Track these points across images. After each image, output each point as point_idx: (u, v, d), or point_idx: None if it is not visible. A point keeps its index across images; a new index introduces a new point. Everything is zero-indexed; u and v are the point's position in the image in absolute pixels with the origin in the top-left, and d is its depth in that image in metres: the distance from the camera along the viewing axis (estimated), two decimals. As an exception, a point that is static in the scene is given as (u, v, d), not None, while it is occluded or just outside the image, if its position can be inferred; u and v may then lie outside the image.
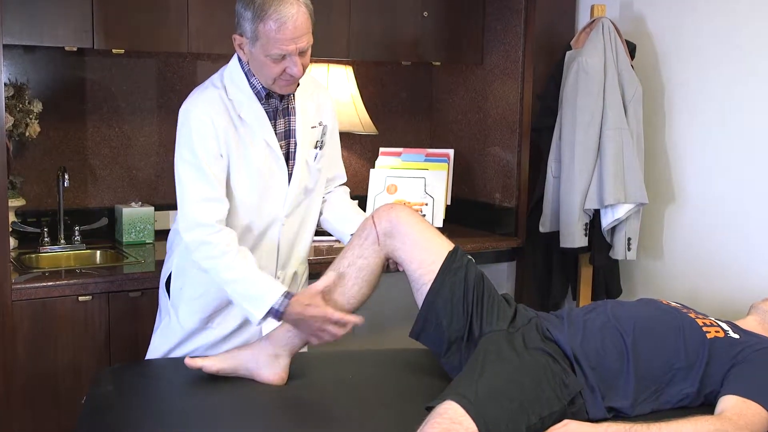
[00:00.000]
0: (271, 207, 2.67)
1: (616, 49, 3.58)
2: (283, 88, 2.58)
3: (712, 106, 3.50)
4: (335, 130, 2.86)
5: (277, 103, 2.64)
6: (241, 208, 2.62)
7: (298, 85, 2.64)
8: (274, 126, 2.64)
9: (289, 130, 2.68)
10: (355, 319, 2.42)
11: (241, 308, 2.53)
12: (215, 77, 2.64)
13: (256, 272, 2.50)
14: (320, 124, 2.75)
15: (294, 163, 2.68)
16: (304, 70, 2.54)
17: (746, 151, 3.39)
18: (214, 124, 2.52)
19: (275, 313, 2.45)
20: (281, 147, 2.65)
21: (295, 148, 2.68)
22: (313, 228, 2.84)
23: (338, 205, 2.89)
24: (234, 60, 2.63)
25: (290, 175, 2.67)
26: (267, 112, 2.62)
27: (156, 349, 2.77)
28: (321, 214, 2.88)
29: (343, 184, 2.96)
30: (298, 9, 2.43)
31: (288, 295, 2.45)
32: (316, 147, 2.73)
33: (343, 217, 2.86)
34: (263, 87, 2.59)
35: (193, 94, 2.60)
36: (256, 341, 2.52)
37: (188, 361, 2.44)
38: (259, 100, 2.61)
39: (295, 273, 2.83)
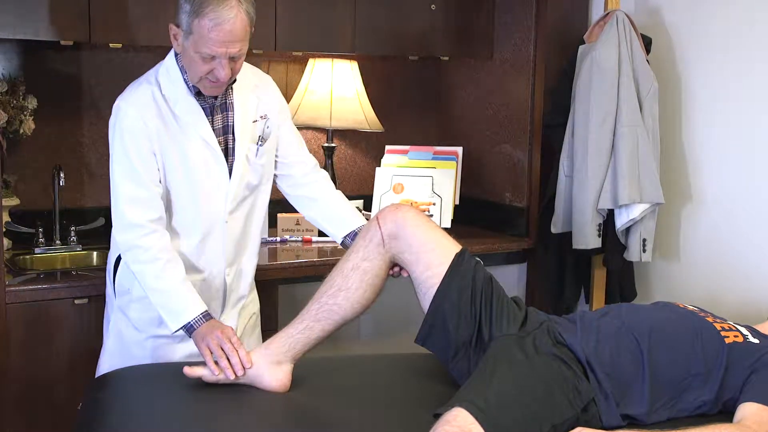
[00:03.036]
0: (213, 205, 2.66)
1: (631, 43, 3.54)
2: (208, 89, 2.56)
3: (731, 102, 3.45)
4: (287, 119, 2.85)
5: (213, 99, 2.62)
6: (182, 207, 2.63)
7: (234, 81, 2.62)
8: (212, 122, 2.63)
9: (227, 125, 2.66)
10: (242, 369, 2.38)
11: (159, 313, 2.56)
12: (150, 73, 2.63)
13: (181, 286, 2.53)
14: (262, 117, 2.72)
15: (234, 159, 2.66)
16: (233, 75, 2.53)
17: (767, 149, 3.33)
18: (146, 124, 2.52)
19: (189, 329, 2.50)
20: (219, 143, 2.64)
21: (233, 144, 2.66)
22: (260, 223, 2.83)
23: (324, 202, 2.88)
24: (170, 55, 2.62)
25: (230, 172, 2.66)
26: (203, 108, 2.61)
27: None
28: (307, 208, 2.89)
29: (314, 169, 2.92)
30: (237, 14, 2.41)
31: (207, 316, 2.50)
32: (257, 142, 2.72)
33: (332, 217, 2.86)
34: (192, 86, 2.58)
35: (126, 91, 2.60)
36: (256, 348, 2.48)
37: (187, 371, 2.40)
38: (195, 95, 2.59)
39: (241, 270, 2.81)
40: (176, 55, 2.58)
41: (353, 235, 2.76)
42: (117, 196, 2.54)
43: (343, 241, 2.81)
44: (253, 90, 2.72)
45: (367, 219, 2.71)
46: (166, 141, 2.55)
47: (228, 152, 2.65)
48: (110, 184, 2.56)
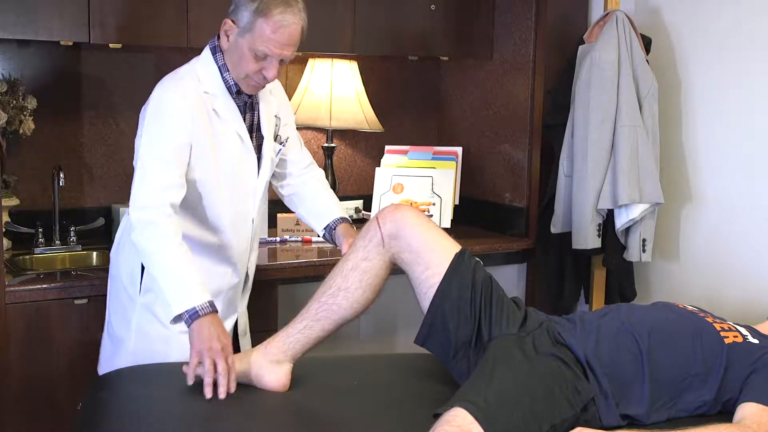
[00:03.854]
0: (243, 200, 2.74)
1: (631, 43, 3.53)
2: (249, 88, 2.65)
3: (730, 102, 3.44)
4: (292, 119, 2.96)
5: (246, 98, 2.70)
6: (213, 201, 2.67)
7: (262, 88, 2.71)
8: (243, 120, 2.71)
9: (253, 124, 2.75)
10: (226, 388, 2.31)
11: (162, 297, 2.48)
12: (187, 69, 2.68)
13: (192, 271, 2.46)
14: (276, 117, 2.83)
15: (260, 156, 2.76)
16: (275, 78, 2.64)
17: (766, 149, 3.32)
18: (191, 115, 2.56)
19: (192, 315, 2.38)
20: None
21: (261, 142, 2.75)
22: (265, 218, 2.96)
23: (312, 198, 2.96)
24: (207, 54, 2.67)
25: (258, 169, 2.75)
26: (238, 107, 2.68)
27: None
28: (297, 205, 2.98)
29: (310, 167, 3.01)
30: (298, 21, 2.54)
31: (212, 306, 2.42)
32: (279, 142, 2.83)
33: (314, 211, 2.94)
34: (235, 83, 2.64)
35: (168, 82, 2.63)
36: (256, 347, 2.48)
37: (186, 369, 2.38)
38: (230, 94, 2.66)
39: (254, 264, 2.93)
40: (213, 53, 2.64)
41: (330, 229, 2.85)
42: (144, 176, 2.53)
43: (323, 234, 2.89)
44: (271, 92, 2.81)
45: (367, 219, 2.71)
46: (204, 136, 2.59)
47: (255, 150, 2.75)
48: (136, 165, 2.57)
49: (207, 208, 2.66)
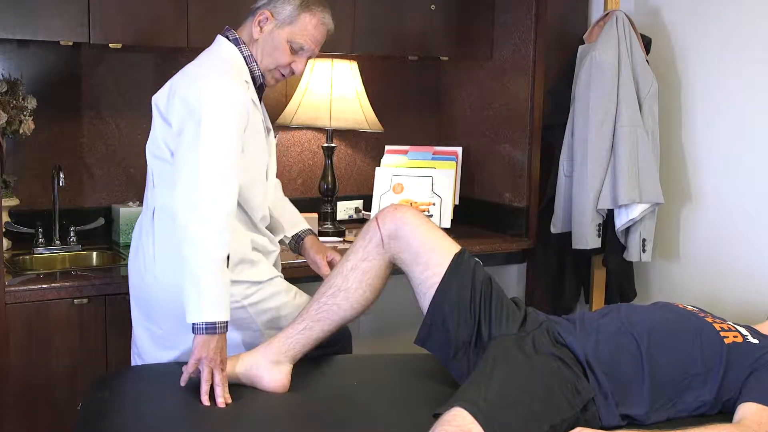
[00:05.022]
0: (266, 185, 2.77)
1: (631, 43, 3.53)
2: (273, 80, 2.73)
3: (730, 102, 3.44)
4: None
5: (261, 91, 2.75)
6: (255, 185, 2.67)
7: None
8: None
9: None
10: (224, 398, 2.33)
11: (189, 295, 2.37)
12: (219, 59, 2.65)
13: (228, 287, 2.42)
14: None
15: (269, 143, 2.82)
16: (302, 73, 2.77)
17: (766, 149, 3.32)
18: (247, 107, 2.56)
19: (209, 328, 2.34)
20: None
21: (269, 131, 2.81)
22: None
23: (278, 206, 2.96)
24: (229, 45, 2.67)
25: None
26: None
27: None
28: None
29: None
30: (331, 22, 2.72)
31: (227, 328, 2.39)
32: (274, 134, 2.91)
33: (286, 221, 2.96)
34: (260, 74, 2.68)
35: (215, 72, 2.56)
36: (255, 348, 2.48)
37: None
38: (254, 85, 2.70)
39: None
40: (236, 44, 2.67)
41: (298, 238, 2.91)
42: (218, 165, 2.43)
43: (289, 242, 2.93)
44: None
45: (367, 219, 2.71)
46: (251, 123, 2.59)
47: None
48: (206, 154, 2.44)
49: (255, 191, 2.65)
